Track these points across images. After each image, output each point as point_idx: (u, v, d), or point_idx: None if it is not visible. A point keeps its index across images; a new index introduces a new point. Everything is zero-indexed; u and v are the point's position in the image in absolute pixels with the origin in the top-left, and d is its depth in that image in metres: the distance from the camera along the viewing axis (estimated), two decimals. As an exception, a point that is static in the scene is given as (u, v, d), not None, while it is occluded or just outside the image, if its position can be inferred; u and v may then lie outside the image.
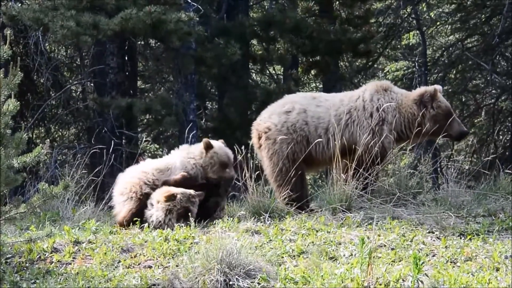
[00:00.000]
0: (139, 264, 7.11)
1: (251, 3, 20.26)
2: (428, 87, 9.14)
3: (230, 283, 6.45)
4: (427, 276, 6.18)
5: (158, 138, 20.15)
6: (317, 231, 7.75)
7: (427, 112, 8.94)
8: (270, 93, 16.55)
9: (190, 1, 15.12)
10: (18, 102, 6.34)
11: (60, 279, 6.72)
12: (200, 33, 14.51)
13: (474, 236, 7.51)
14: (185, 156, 8.89)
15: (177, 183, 8.63)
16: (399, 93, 9.12)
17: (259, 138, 9.05)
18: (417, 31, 20.29)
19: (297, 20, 16.39)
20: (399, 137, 9.02)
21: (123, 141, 16.34)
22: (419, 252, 7.01)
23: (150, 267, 7.03)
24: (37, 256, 7.25)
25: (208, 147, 8.77)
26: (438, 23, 20.86)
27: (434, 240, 7.44)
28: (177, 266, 6.94)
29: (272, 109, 9.14)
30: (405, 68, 21.25)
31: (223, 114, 17.31)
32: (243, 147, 8.79)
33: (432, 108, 8.96)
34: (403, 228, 7.73)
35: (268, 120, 9.03)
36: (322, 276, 6.41)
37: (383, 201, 8.65)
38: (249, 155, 9.01)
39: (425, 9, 20.92)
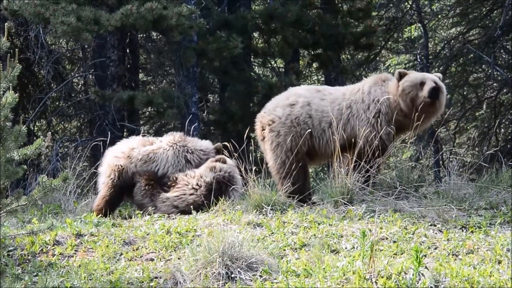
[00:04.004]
0: (141, 256, 7.12)
1: (253, -4, 20.21)
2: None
3: (232, 275, 6.46)
4: (427, 269, 6.18)
5: (160, 130, 20.11)
6: (319, 224, 7.75)
7: (397, 90, 8.88)
8: (272, 86, 16.49)
9: (191, -7, 15.10)
10: (17, 95, 6.32)
11: (62, 271, 6.73)
12: (201, 26, 14.48)
13: (476, 229, 7.50)
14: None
15: None
16: (390, 82, 9.08)
17: (263, 130, 9.06)
18: (419, 24, 20.23)
19: (298, 14, 16.34)
20: (400, 126, 8.96)
21: (125, 133, 16.34)
22: (421, 245, 7.01)
23: (152, 259, 7.04)
24: (39, 249, 7.26)
25: None
26: (439, 16, 20.81)
27: (436, 233, 7.44)
28: (179, 259, 6.94)
29: (276, 101, 9.14)
30: (406, 61, 21.21)
31: (224, 107, 17.29)
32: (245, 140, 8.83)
33: (400, 86, 8.88)
34: (405, 221, 7.72)
35: (272, 112, 9.03)
36: (324, 268, 6.42)
37: (385, 194, 8.65)
38: (250, 147, 9.02)
39: (426, 2, 20.87)
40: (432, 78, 8.89)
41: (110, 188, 9.13)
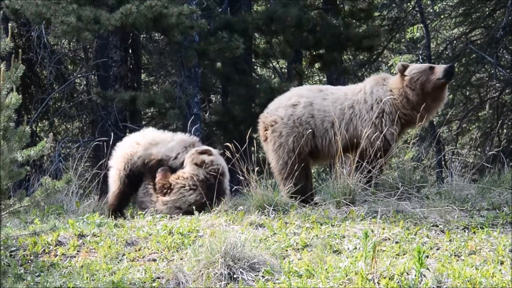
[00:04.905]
0: (143, 257, 7.13)
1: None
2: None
3: (234, 276, 6.46)
4: (429, 270, 6.18)
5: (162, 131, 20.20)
6: (321, 225, 7.75)
7: (404, 81, 8.89)
8: (274, 87, 16.50)
9: (193, -7, 15.11)
10: (21, 96, 6.32)
11: (65, 272, 6.74)
12: (202, 27, 14.48)
13: (478, 229, 7.50)
14: None
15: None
16: (391, 80, 9.09)
17: (266, 130, 9.06)
18: (421, 25, 20.23)
19: (299, 15, 16.31)
20: (406, 122, 8.94)
21: (127, 134, 16.34)
22: (423, 245, 7.01)
23: (154, 260, 7.04)
24: (42, 249, 7.27)
25: None
26: (442, 17, 20.80)
27: (438, 234, 7.44)
28: (181, 259, 6.95)
29: (279, 102, 9.14)
30: (409, 61, 21.20)
31: (226, 108, 17.29)
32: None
33: (406, 75, 8.90)
34: (407, 222, 7.72)
35: (275, 113, 9.03)
36: (326, 269, 6.42)
37: (387, 194, 8.64)
38: (252, 148, 9.01)
39: (428, 2, 20.86)
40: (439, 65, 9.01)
41: (120, 182, 9.13)
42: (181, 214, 8.72)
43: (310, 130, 8.86)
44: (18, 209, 6.44)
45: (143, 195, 9.04)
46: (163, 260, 7.02)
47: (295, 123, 8.91)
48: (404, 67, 8.94)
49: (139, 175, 9.17)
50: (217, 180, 8.93)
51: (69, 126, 19.70)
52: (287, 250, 7.09)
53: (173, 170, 9.11)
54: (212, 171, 8.94)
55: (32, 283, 6.49)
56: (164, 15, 13.68)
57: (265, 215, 8.23)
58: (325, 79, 20.84)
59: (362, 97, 8.96)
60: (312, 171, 9.46)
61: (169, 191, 8.90)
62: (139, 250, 7.28)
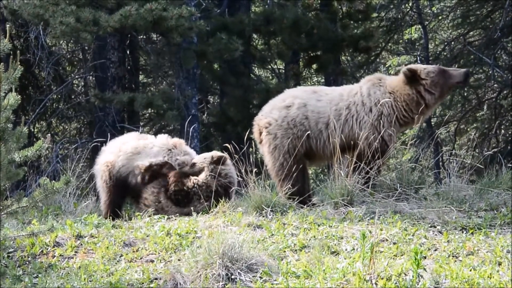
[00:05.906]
0: (141, 258, 7.12)
1: (253, -3, 20.21)
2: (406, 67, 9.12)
3: (232, 277, 6.46)
4: (426, 271, 6.18)
5: (160, 132, 20.17)
6: (319, 226, 7.74)
7: (421, 85, 8.86)
8: (271, 88, 16.52)
9: (191, -5, 15.12)
10: (19, 96, 6.33)
11: (62, 273, 6.74)
12: (201, 28, 14.48)
13: (476, 230, 7.50)
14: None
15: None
16: (389, 80, 9.06)
17: (260, 133, 9.04)
18: (419, 26, 20.26)
19: (296, 17, 16.30)
20: (405, 122, 8.94)
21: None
22: (421, 246, 7.01)
23: (152, 261, 7.04)
24: (39, 250, 7.27)
25: None
26: (440, 18, 20.84)
27: (436, 235, 7.44)
28: (179, 260, 6.95)
29: (273, 103, 9.12)
30: (407, 62, 21.21)
31: (224, 109, 17.29)
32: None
33: (424, 79, 8.89)
34: (405, 223, 7.72)
35: (269, 115, 9.00)
36: (324, 270, 6.42)
37: (385, 195, 8.64)
38: (251, 149, 9.01)
39: (426, 3, 20.89)
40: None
41: (107, 192, 9.06)
42: (177, 215, 8.71)
43: (304, 131, 8.83)
44: (16, 209, 6.45)
45: (149, 196, 8.96)
46: (161, 261, 7.02)
47: (289, 125, 8.89)
48: (412, 71, 8.85)
49: (126, 184, 9.08)
50: (227, 192, 8.93)
51: (66, 127, 19.71)
52: (285, 251, 7.08)
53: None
54: (225, 183, 8.95)
55: (30, 284, 6.49)
56: (164, 17, 13.68)
57: (263, 216, 8.23)
58: (323, 80, 20.84)
59: (359, 99, 8.92)
60: (310, 172, 9.44)
61: (185, 200, 8.89)
62: (137, 251, 7.28)
